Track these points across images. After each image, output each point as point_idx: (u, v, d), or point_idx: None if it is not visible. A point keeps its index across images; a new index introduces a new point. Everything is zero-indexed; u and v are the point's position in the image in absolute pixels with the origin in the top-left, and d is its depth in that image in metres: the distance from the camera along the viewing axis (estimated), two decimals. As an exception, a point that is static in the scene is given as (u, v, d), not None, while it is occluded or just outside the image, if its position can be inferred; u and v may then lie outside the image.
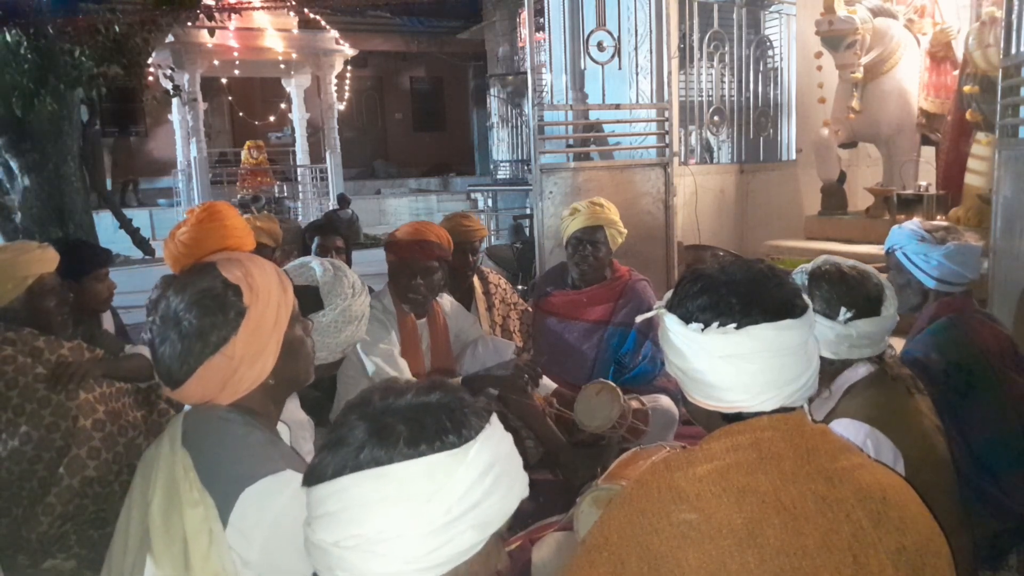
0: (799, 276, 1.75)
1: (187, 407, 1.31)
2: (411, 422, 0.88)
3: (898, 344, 2.41)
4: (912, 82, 5.63)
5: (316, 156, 15.57)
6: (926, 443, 1.66)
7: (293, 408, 1.78)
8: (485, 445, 0.89)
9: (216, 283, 1.24)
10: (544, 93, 7.47)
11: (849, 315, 1.66)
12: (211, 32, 10.22)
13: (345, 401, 0.99)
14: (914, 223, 2.39)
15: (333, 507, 0.85)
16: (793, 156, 6.65)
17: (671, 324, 1.16)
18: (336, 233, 3.52)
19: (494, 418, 0.93)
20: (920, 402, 1.74)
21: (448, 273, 3.24)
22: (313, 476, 0.88)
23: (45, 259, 2.53)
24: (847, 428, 1.64)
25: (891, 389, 1.72)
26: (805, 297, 1.16)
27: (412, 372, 2.88)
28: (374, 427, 0.87)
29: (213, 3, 7.78)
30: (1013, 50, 3.37)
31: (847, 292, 1.69)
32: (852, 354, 1.71)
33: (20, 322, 2.43)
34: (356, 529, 0.84)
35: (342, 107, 15.27)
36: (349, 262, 3.52)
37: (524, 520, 2.57)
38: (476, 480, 0.87)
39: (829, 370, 1.73)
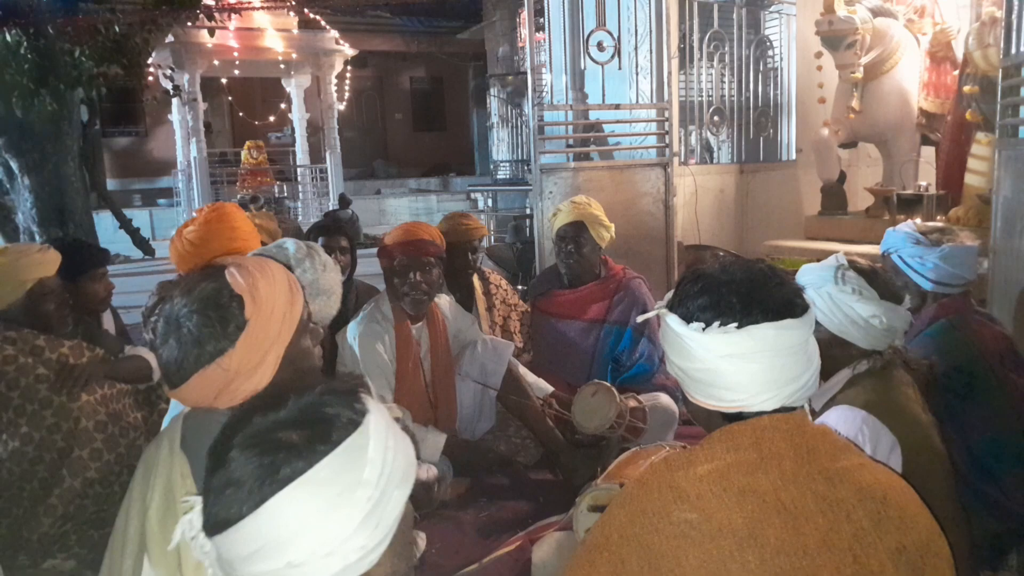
0: (830, 270, 1.76)
1: (186, 408, 1.31)
2: (310, 422, 0.86)
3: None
4: (912, 82, 5.63)
5: (316, 156, 15.57)
6: (923, 432, 1.67)
7: None
8: (376, 412, 0.90)
9: (221, 292, 1.23)
10: (544, 93, 7.47)
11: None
12: (211, 32, 10.21)
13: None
14: (908, 225, 2.38)
15: (270, 534, 0.82)
16: (793, 156, 6.65)
17: (672, 324, 1.16)
18: (341, 233, 3.51)
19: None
20: (919, 396, 1.76)
21: (447, 272, 3.24)
22: (230, 518, 0.83)
23: (45, 262, 2.53)
24: (843, 414, 1.64)
25: (891, 379, 1.73)
26: (806, 297, 1.16)
27: (410, 376, 2.89)
28: (276, 443, 0.84)
29: (213, 3, 7.77)
30: (1013, 50, 3.37)
31: (884, 284, 1.73)
32: (879, 344, 1.73)
33: (19, 324, 2.44)
34: (303, 543, 0.82)
35: (342, 107, 15.25)
36: (354, 262, 3.52)
37: (524, 520, 2.57)
38: (384, 445, 0.88)
39: (844, 359, 1.76)
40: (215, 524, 0.84)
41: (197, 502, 0.92)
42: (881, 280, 1.75)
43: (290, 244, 2.15)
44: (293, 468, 0.82)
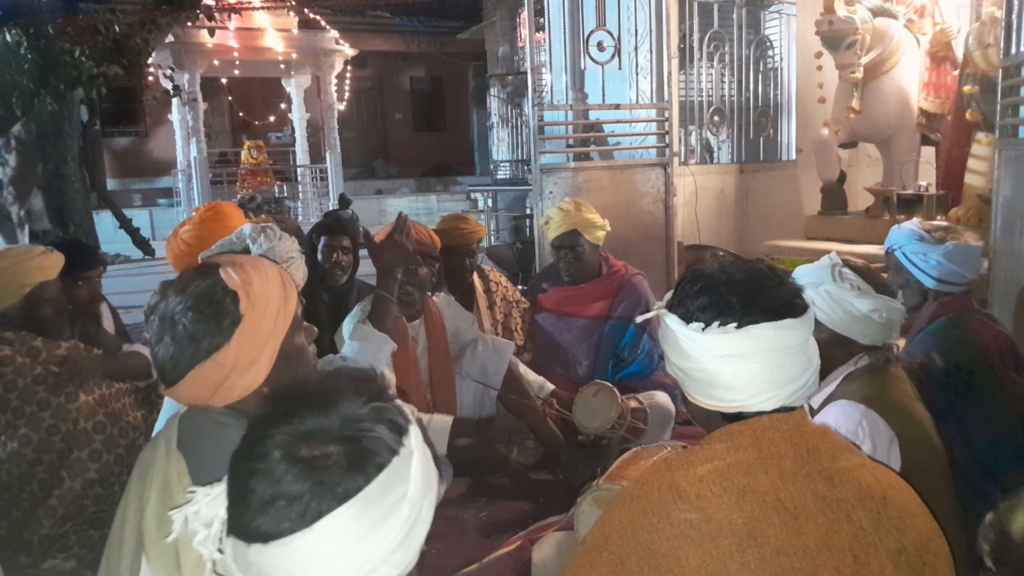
0: (826, 269, 1.78)
1: (182, 408, 1.31)
2: (362, 437, 0.84)
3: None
4: (912, 82, 5.63)
5: (316, 156, 15.57)
6: (921, 427, 1.68)
7: None
8: (414, 423, 0.89)
9: (215, 288, 1.23)
10: (544, 93, 7.46)
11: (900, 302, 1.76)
12: (211, 32, 10.21)
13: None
14: (913, 223, 2.41)
15: (319, 550, 0.80)
16: (793, 156, 6.65)
17: (672, 324, 1.16)
18: (343, 233, 3.49)
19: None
20: (915, 392, 1.78)
21: (442, 272, 3.24)
22: (281, 531, 0.80)
23: (46, 267, 2.53)
24: (842, 409, 1.65)
25: (888, 375, 1.75)
26: (805, 297, 1.16)
27: (407, 373, 2.88)
28: (331, 458, 0.82)
29: (213, 3, 7.78)
30: (1013, 50, 3.37)
31: (876, 280, 1.77)
32: (879, 339, 1.75)
33: (15, 327, 2.43)
34: (350, 560, 0.81)
35: (342, 107, 15.25)
36: (356, 261, 3.52)
37: (524, 520, 2.57)
38: (422, 458, 0.87)
39: (845, 357, 1.78)
40: (259, 535, 0.81)
41: (202, 495, 0.90)
42: (873, 276, 1.78)
43: (246, 228, 2.23)
44: (351, 485, 0.80)
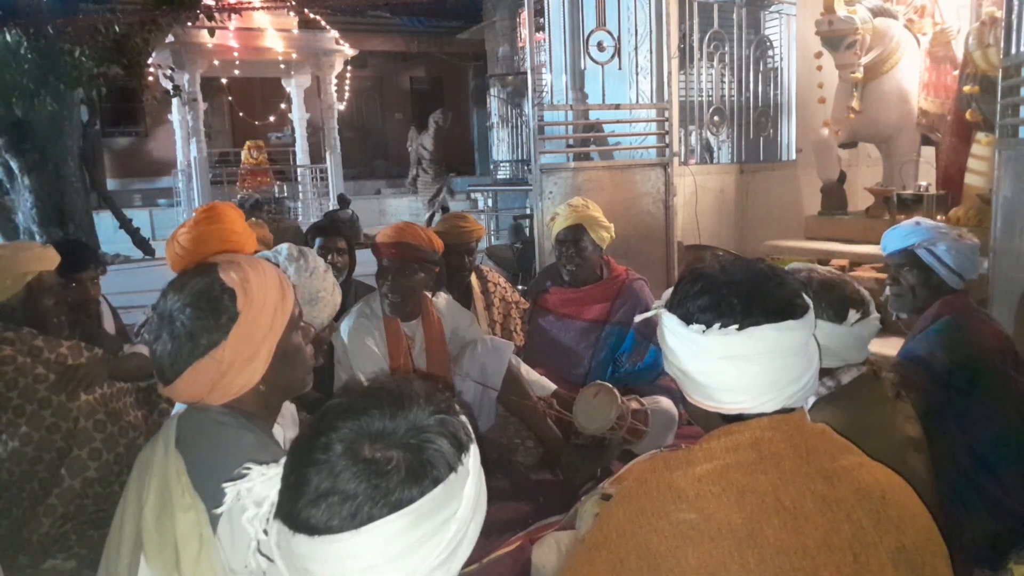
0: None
1: (181, 407, 1.31)
2: (423, 448, 0.83)
3: (897, 344, 2.42)
4: (912, 82, 5.62)
5: (316, 156, 15.56)
6: (898, 457, 1.54)
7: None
8: (475, 444, 0.89)
9: (213, 285, 1.25)
10: (544, 93, 7.46)
11: (858, 316, 1.62)
12: (211, 32, 10.19)
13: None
14: (926, 221, 2.38)
15: (363, 555, 0.79)
16: (793, 156, 6.65)
17: (671, 325, 1.15)
18: (338, 234, 3.50)
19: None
20: (902, 409, 1.68)
21: (444, 272, 3.24)
22: (330, 528, 0.79)
23: (45, 258, 2.54)
24: None
25: (869, 398, 1.64)
26: (806, 297, 1.15)
27: (401, 373, 2.88)
28: (390, 464, 0.81)
29: (213, 3, 7.77)
30: (1013, 50, 3.37)
31: (845, 296, 1.64)
32: (857, 358, 1.65)
33: (17, 320, 2.44)
34: (391, 570, 0.80)
35: (342, 107, 15.24)
36: (352, 262, 3.52)
37: (524, 520, 2.57)
38: (476, 479, 0.87)
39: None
40: (307, 526, 0.81)
41: (257, 473, 0.89)
42: (839, 292, 1.64)
43: (284, 248, 2.19)
44: (405, 495, 0.80)
